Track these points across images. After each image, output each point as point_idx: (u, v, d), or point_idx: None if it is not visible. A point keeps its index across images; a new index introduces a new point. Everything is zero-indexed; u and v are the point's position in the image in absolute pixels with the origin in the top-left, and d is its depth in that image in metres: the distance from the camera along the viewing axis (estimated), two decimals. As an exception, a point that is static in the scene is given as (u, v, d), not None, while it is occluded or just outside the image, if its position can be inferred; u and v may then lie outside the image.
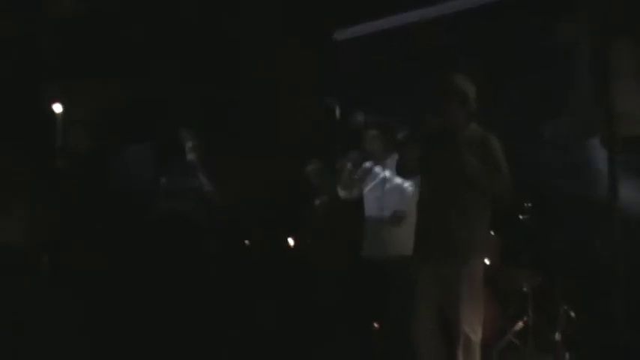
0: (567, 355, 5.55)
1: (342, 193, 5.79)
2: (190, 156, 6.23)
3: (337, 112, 7.67)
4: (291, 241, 6.95)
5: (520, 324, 5.69)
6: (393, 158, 5.20)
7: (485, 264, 4.64)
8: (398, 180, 5.46)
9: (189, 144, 6.25)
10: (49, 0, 6.95)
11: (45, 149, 6.94)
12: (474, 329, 4.44)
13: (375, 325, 5.64)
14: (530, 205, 5.84)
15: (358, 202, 5.76)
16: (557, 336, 5.59)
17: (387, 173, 5.58)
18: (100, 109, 7.36)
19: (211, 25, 7.61)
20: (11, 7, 6.76)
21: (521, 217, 5.86)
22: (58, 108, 6.89)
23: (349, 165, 5.71)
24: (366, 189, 5.71)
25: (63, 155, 7.07)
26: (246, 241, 7.02)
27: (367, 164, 5.73)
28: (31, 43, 6.93)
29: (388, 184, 5.58)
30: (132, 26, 7.38)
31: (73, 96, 7.04)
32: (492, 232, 6.03)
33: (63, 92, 6.95)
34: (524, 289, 5.75)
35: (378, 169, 5.68)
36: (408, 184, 5.42)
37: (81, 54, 7.11)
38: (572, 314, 5.68)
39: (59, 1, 6.96)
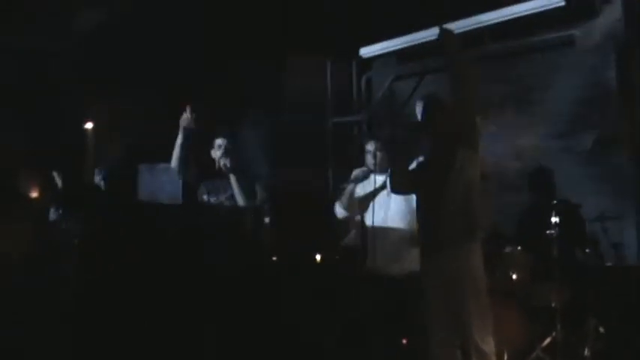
0: (596, 371, 5.52)
1: (340, 212, 5.70)
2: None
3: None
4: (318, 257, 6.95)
5: (549, 339, 5.66)
6: None
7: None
8: None
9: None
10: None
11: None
12: (484, 339, 4.43)
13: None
14: (558, 220, 5.78)
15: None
16: (587, 351, 5.56)
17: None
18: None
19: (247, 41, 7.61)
20: (41, 23, 6.85)
21: (549, 232, 5.81)
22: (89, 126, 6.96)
23: (351, 186, 5.62)
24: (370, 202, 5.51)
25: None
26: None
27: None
28: (62, 60, 7.02)
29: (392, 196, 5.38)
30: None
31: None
32: (520, 247, 6.05)
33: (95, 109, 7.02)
34: (553, 304, 5.71)
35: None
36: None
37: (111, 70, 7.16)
38: (601, 329, 5.63)
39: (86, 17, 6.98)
